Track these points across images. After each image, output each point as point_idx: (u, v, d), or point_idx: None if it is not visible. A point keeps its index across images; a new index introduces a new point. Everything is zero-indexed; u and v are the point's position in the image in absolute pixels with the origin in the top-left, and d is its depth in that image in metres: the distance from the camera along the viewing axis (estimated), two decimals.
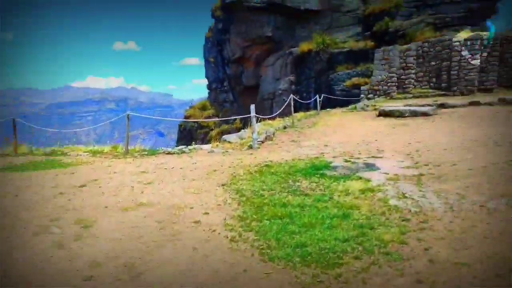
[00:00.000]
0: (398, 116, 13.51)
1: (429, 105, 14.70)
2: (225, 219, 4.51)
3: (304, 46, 26.80)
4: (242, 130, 12.28)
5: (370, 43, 24.80)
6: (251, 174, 6.65)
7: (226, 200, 5.24)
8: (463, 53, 17.76)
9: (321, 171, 6.51)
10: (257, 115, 10.59)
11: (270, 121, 14.57)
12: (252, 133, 10.00)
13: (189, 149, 10.06)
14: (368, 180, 5.68)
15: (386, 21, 24.56)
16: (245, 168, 7.16)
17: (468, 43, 18.44)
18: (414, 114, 13.37)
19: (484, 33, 18.99)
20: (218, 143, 11.01)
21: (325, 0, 27.67)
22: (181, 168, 7.41)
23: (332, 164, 6.97)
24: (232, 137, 11.10)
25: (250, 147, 9.75)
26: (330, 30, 27.67)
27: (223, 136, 11.42)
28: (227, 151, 9.52)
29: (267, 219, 4.35)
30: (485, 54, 18.35)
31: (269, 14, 28.48)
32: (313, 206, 4.72)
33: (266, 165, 7.25)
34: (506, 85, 18.17)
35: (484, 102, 14.48)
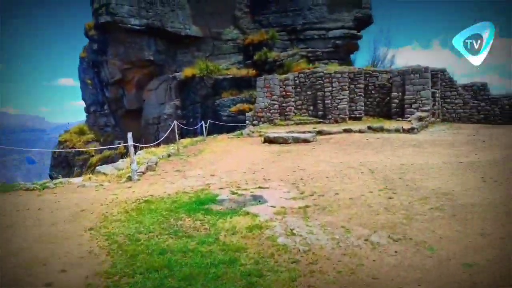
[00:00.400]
0: (282, 143, 13.84)
1: (309, 131, 15.43)
2: (87, 277, 3.64)
3: (188, 71, 26.50)
4: (120, 159, 11.21)
5: (252, 71, 25.58)
6: (127, 213, 5.83)
7: (92, 250, 4.36)
8: None
9: (207, 206, 6.03)
10: (135, 144, 9.74)
11: (153, 149, 13.68)
12: (131, 164, 9.10)
13: (54, 184, 8.65)
14: (256, 216, 5.36)
15: (264, 51, 25.70)
16: (121, 205, 6.30)
17: (338, 75, 20.08)
18: (297, 140, 13.84)
19: (350, 67, 21.00)
20: (91, 175, 9.80)
21: (205, 27, 27.94)
22: (39, 210, 6.13)
23: (219, 198, 6.55)
24: (108, 168, 9.98)
25: (129, 179, 8.82)
26: (213, 56, 27.94)
27: (97, 167, 10.21)
28: (101, 185, 8.44)
29: (140, 273, 3.65)
30: (352, 86, 20.17)
31: (149, 37, 27.63)
32: (197, 251, 4.18)
33: (146, 201, 6.50)
34: (371, 114, 20.17)
35: (355, 130, 15.71)
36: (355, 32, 27.53)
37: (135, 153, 10.75)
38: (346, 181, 7.42)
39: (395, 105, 19.18)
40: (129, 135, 9.30)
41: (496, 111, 19.22)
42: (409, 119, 17.11)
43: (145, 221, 5.32)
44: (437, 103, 19.50)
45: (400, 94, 18.99)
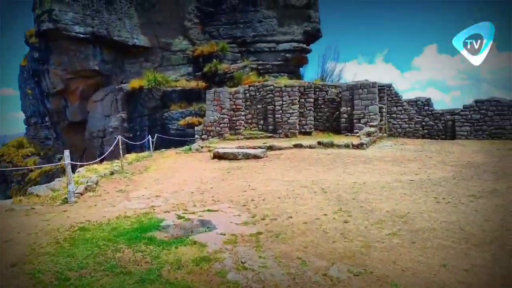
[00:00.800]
0: (232, 159, 13.46)
1: (259, 147, 15.20)
2: None
3: (135, 83, 25.56)
4: (57, 179, 10.26)
5: (201, 83, 25.16)
6: (58, 244, 5.15)
7: None
8: None
9: (150, 234, 5.48)
10: (73, 162, 8.94)
11: (95, 166, 12.77)
12: (67, 184, 8.31)
13: None
14: (204, 245, 4.88)
15: (214, 63, 25.42)
16: (52, 234, 5.58)
17: (288, 89, 20.13)
18: (247, 156, 13.53)
19: (299, 81, 21.19)
20: (22, 197, 8.84)
21: (154, 37, 27.22)
22: None
23: (163, 223, 6.01)
24: (41, 189, 9.04)
25: (65, 201, 8.04)
26: (161, 68, 27.21)
27: (30, 188, 9.24)
28: (33, 209, 7.60)
29: None
30: (302, 100, 20.28)
31: (94, 46, 26.41)
32: None
33: (81, 229, 5.83)
34: (321, 129, 20.37)
35: (306, 145, 15.66)
36: (304, 45, 27.98)
37: (73, 172, 9.93)
38: (299, 202, 7.14)
39: (344, 120, 19.48)
40: (66, 152, 8.52)
41: (439, 126, 20.08)
42: (358, 134, 17.39)
43: (78, 254, 4.70)
44: (384, 118, 20.05)
45: (349, 108, 19.33)
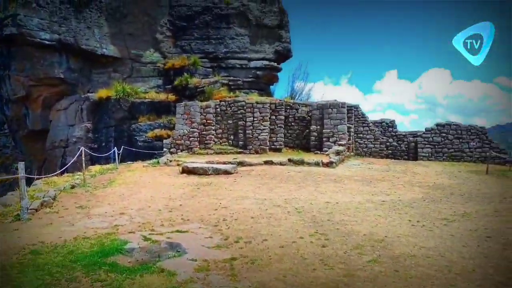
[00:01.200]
0: (201, 174, 13.06)
1: (230, 162, 14.86)
2: None
3: (103, 93, 24.69)
4: (9, 192, 9.46)
5: (171, 96, 24.68)
6: (4, 270, 4.59)
7: None
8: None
9: (112, 258, 5.01)
10: (29, 175, 8.26)
11: (55, 178, 12.02)
12: (21, 199, 7.64)
13: None
14: (173, 274, 4.44)
15: (185, 77, 25.09)
16: None
17: (260, 105, 19.97)
18: (217, 172, 13.16)
19: (271, 98, 21.14)
20: None
21: (124, 48, 26.57)
22: None
23: (128, 246, 5.53)
24: None
25: (18, 218, 7.38)
26: (131, 79, 26.50)
27: None
28: None
29: None
30: (273, 117, 20.18)
31: (61, 53, 25.44)
32: None
33: (33, 251, 5.27)
34: (291, 146, 20.32)
35: (277, 162, 15.45)
36: (275, 64, 28.17)
37: (29, 185, 9.22)
38: (273, 223, 6.84)
39: (314, 138, 19.52)
40: (21, 165, 7.85)
41: (402, 147, 20.56)
42: (327, 152, 17.42)
43: (26, 284, 4.18)
44: (351, 138, 20.28)
45: (319, 127, 19.39)
